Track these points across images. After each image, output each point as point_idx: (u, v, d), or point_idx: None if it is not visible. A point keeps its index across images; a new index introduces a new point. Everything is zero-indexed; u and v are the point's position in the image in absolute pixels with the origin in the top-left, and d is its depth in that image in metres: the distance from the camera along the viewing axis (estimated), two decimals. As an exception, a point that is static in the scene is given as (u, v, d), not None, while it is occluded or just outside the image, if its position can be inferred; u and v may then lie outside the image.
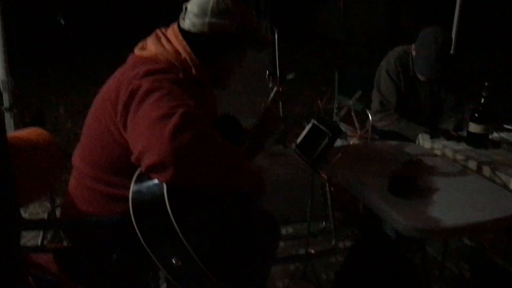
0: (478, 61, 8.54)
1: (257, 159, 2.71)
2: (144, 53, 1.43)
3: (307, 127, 1.91)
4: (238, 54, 1.54)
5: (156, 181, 1.20)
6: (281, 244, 2.66)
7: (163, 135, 1.13)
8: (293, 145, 1.94)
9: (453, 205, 1.50)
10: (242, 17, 1.46)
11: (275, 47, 3.13)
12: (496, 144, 2.10)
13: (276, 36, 3.14)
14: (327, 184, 2.73)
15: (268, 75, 1.85)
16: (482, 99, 2.02)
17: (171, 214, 1.15)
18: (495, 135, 2.18)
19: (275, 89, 1.84)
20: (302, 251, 2.59)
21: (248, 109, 2.81)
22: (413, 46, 2.59)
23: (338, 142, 2.57)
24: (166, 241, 1.19)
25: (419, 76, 2.58)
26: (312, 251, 2.54)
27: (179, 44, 1.43)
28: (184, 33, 1.45)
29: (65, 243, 1.50)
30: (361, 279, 1.68)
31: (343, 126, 3.05)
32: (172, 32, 1.47)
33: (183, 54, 1.42)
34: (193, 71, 1.42)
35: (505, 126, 2.32)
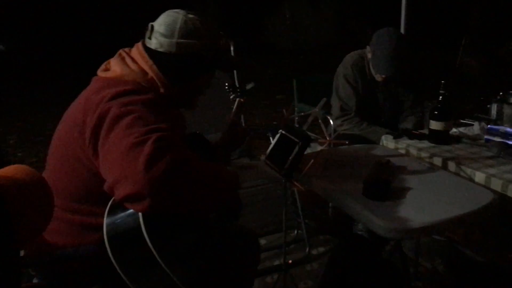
0: (428, 61, 8.89)
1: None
2: (109, 75, 1.38)
3: (276, 137, 1.90)
4: (206, 74, 1.52)
5: (131, 210, 1.15)
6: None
7: (137, 165, 1.08)
8: (263, 157, 1.93)
9: (427, 202, 1.52)
10: (211, 37, 1.44)
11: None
12: (457, 139, 2.17)
13: (232, 48, 3.14)
14: (296, 193, 2.74)
15: (227, 87, 1.84)
16: (441, 97, 2.08)
17: (150, 244, 1.11)
18: (454, 130, 2.26)
19: (237, 100, 1.82)
20: (277, 262, 2.58)
21: (208, 122, 2.79)
22: (368, 49, 2.65)
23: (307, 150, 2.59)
24: (149, 273, 1.14)
25: (377, 77, 2.63)
26: (290, 261, 2.53)
27: (145, 63, 1.39)
28: (150, 52, 1.41)
29: (35, 280, 1.41)
30: (345, 284, 1.68)
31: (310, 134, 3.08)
32: (137, 51, 1.43)
33: (150, 73, 1.38)
34: (161, 90, 1.39)
35: (462, 121, 2.41)
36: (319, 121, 1.86)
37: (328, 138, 1.75)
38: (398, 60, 2.50)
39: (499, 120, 2.33)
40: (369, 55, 2.63)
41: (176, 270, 1.12)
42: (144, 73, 1.38)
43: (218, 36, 1.49)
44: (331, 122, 2.83)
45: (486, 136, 2.07)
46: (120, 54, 1.43)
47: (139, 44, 1.45)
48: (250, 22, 12.66)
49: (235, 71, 3.11)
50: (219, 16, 11.49)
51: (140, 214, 1.13)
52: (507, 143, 1.97)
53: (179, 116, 1.54)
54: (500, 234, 1.72)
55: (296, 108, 3.25)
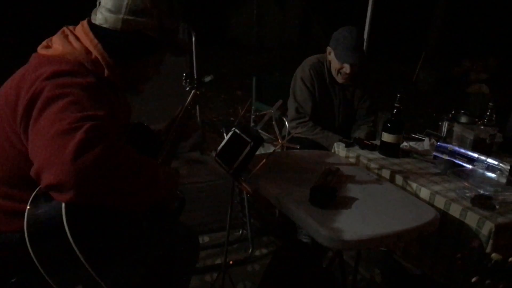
0: (386, 73, 9.08)
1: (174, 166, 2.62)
2: (50, 52, 1.28)
3: (228, 135, 1.86)
4: (154, 56, 1.44)
5: (54, 201, 1.08)
6: (198, 254, 2.59)
7: (65, 153, 1.01)
8: (213, 153, 1.88)
9: (371, 215, 1.52)
10: (160, 17, 1.36)
11: (192, 50, 3.06)
12: (406, 153, 2.20)
13: (193, 39, 3.07)
14: (244, 192, 2.71)
15: (184, 77, 1.77)
16: (395, 110, 2.10)
17: (70, 238, 1.04)
18: (404, 144, 2.29)
19: (192, 92, 1.76)
20: (218, 261, 2.54)
21: (164, 114, 2.71)
22: (328, 49, 2.66)
23: (259, 150, 2.56)
24: (68, 268, 1.08)
25: (339, 78, 2.66)
26: (231, 262, 2.49)
27: (90, 42, 1.30)
28: (95, 30, 1.32)
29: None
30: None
31: (263, 135, 3.06)
32: (81, 29, 1.33)
33: (94, 53, 1.29)
34: (106, 72, 1.30)
35: (413, 135, 2.45)
36: (273, 122, 1.83)
37: (280, 140, 1.73)
38: (361, 49, 2.59)
39: (448, 137, 2.39)
40: (330, 55, 2.64)
41: (99, 268, 1.06)
42: (88, 52, 1.29)
43: (167, 17, 1.40)
44: (287, 124, 2.82)
45: (434, 153, 2.10)
46: (63, 31, 1.34)
47: (84, 22, 1.36)
48: (215, 15, 12.53)
49: (194, 63, 3.05)
50: (183, 6, 11.29)
51: (63, 206, 1.07)
52: (454, 162, 2.01)
53: (123, 102, 1.45)
54: (436, 249, 1.75)
55: (253, 107, 3.22)
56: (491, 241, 1.56)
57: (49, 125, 1.06)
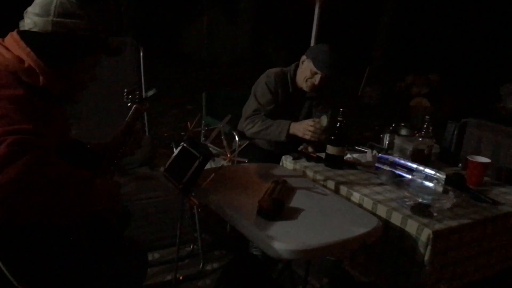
0: (334, 85, 9.29)
1: (123, 183, 2.58)
2: None
3: (177, 150, 1.87)
4: (88, 58, 1.42)
5: None
6: (148, 271, 2.55)
7: None
8: (162, 169, 1.88)
9: (317, 225, 1.58)
10: (89, 19, 1.35)
11: (140, 66, 3.05)
12: (351, 164, 2.28)
13: (141, 54, 3.06)
14: (194, 207, 2.70)
15: (126, 93, 1.75)
16: (338, 124, 2.19)
17: None
18: (348, 156, 2.37)
19: (134, 107, 1.75)
20: (169, 277, 2.52)
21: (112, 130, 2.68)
22: (302, 58, 2.74)
23: (209, 165, 2.57)
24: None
25: (306, 86, 2.73)
26: (180, 277, 2.48)
27: (22, 50, 1.29)
28: (25, 37, 1.30)
29: None
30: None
31: (213, 149, 3.06)
32: (11, 39, 1.32)
33: (27, 61, 1.28)
34: (41, 79, 1.29)
35: (357, 147, 2.54)
36: (222, 137, 1.86)
37: (228, 155, 1.76)
38: (337, 67, 2.68)
39: (390, 149, 2.50)
40: (303, 63, 2.72)
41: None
42: (21, 61, 1.27)
43: (97, 19, 1.39)
44: (236, 138, 2.85)
45: (376, 164, 2.20)
46: None
47: (13, 32, 1.34)
48: (165, 30, 12.49)
49: (142, 79, 3.03)
50: (133, 21, 11.17)
51: None
52: (395, 172, 2.11)
53: (60, 114, 1.43)
54: (381, 256, 1.82)
55: (203, 122, 3.23)
56: (429, 247, 1.65)
57: None
